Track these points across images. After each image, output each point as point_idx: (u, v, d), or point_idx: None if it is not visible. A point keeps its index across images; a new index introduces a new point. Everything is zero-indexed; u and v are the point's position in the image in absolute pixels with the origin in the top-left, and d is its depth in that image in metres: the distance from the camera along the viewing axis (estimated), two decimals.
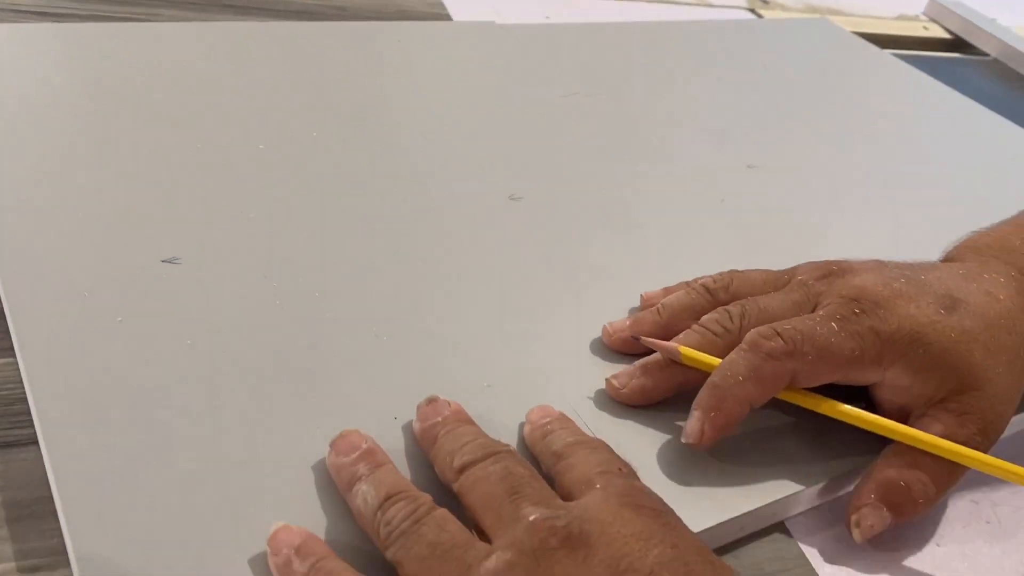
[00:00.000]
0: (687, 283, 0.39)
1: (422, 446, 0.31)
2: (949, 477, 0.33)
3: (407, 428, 0.32)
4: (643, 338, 0.35)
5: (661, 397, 0.35)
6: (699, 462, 0.33)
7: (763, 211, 0.49)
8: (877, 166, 0.56)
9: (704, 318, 0.36)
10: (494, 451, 0.29)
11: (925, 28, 0.87)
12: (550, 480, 0.29)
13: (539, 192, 0.46)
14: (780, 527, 0.33)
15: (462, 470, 0.28)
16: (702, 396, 0.32)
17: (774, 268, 0.39)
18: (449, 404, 0.31)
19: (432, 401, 0.31)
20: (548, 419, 0.32)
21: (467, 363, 0.35)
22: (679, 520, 0.28)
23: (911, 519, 0.33)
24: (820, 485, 0.34)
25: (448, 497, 0.28)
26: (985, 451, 0.33)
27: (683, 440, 0.32)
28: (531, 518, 0.26)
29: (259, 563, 0.27)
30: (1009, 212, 0.43)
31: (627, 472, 0.29)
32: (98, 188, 0.39)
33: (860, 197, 0.52)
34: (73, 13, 0.55)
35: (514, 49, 0.61)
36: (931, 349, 0.33)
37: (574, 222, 0.44)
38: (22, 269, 0.34)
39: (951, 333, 0.34)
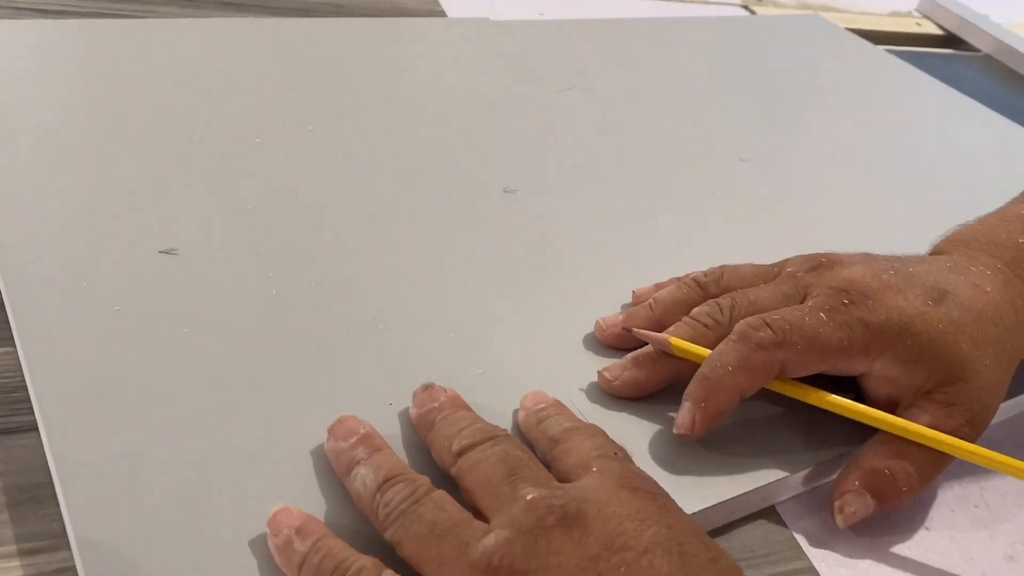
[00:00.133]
0: (678, 278, 0.39)
1: (418, 432, 0.31)
2: (934, 467, 0.34)
3: (403, 415, 0.32)
4: (635, 330, 0.36)
5: (653, 389, 0.35)
6: (690, 451, 0.33)
7: (755, 205, 0.49)
8: (869, 161, 0.56)
9: (695, 311, 0.36)
10: (492, 435, 0.29)
11: (918, 24, 0.87)
12: (547, 465, 0.30)
13: (533, 185, 0.46)
14: (771, 512, 0.34)
15: (460, 454, 0.29)
16: (692, 387, 0.33)
17: (765, 261, 0.39)
18: (445, 391, 0.32)
19: (428, 388, 0.32)
20: (543, 405, 0.32)
21: (462, 351, 0.35)
22: (674, 503, 0.28)
23: (894, 507, 0.34)
24: (808, 471, 0.34)
25: (445, 482, 0.29)
26: (973, 441, 0.33)
27: (675, 431, 0.33)
28: (529, 497, 0.26)
29: (258, 545, 0.27)
30: (999, 206, 0.43)
31: (623, 456, 0.30)
32: (95, 181, 0.40)
33: (851, 192, 0.53)
34: (71, 10, 0.55)
35: (508, 45, 0.61)
36: (919, 340, 0.34)
37: (567, 215, 0.45)
38: (21, 260, 0.35)
39: (939, 324, 0.34)
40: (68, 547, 0.27)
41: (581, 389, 0.35)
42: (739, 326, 0.34)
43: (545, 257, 0.41)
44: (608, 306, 0.39)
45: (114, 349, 0.32)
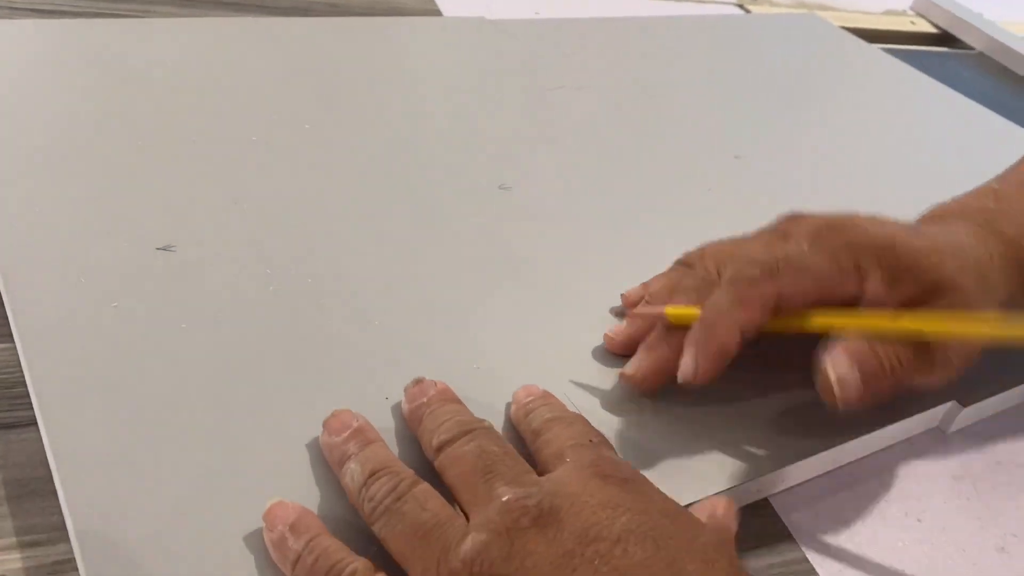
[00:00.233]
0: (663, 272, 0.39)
1: (410, 426, 0.31)
2: (922, 363, 0.33)
3: (397, 409, 0.32)
4: (633, 311, 0.36)
5: (675, 368, 0.34)
6: (684, 443, 0.34)
7: (750, 202, 0.49)
8: (864, 159, 0.57)
9: (684, 282, 0.37)
10: (469, 429, 0.29)
11: (912, 23, 0.88)
12: (532, 457, 0.30)
13: (528, 182, 0.47)
14: (764, 504, 0.34)
15: (440, 448, 0.29)
16: (692, 332, 0.33)
17: None
18: (435, 384, 0.32)
19: (418, 382, 0.32)
20: (531, 398, 0.32)
21: (457, 346, 0.36)
22: (648, 484, 0.28)
23: (878, 394, 0.32)
24: (802, 463, 0.34)
25: (434, 474, 0.29)
26: (959, 365, 0.33)
27: (679, 380, 0.33)
28: (504, 499, 0.26)
29: (255, 539, 0.27)
30: None
31: (598, 442, 0.30)
32: (93, 178, 0.40)
33: (846, 189, 0.53)
34: (67, 10, 0.55)
35: (504, 43, 0.61)
36: (903, 255, 0.34)
37: (563, 211, 0.45)
38: (20, 257, 0.35)
39: (921, 243, 0.35)
40: (68, 540, 0.27)
41: (575, 382, 0.35)
42: (728, 271, 0.34)
43: (540, 252, 0.42)
44: (601, 301, 0.39)
45: (112, 344, 0.32)
